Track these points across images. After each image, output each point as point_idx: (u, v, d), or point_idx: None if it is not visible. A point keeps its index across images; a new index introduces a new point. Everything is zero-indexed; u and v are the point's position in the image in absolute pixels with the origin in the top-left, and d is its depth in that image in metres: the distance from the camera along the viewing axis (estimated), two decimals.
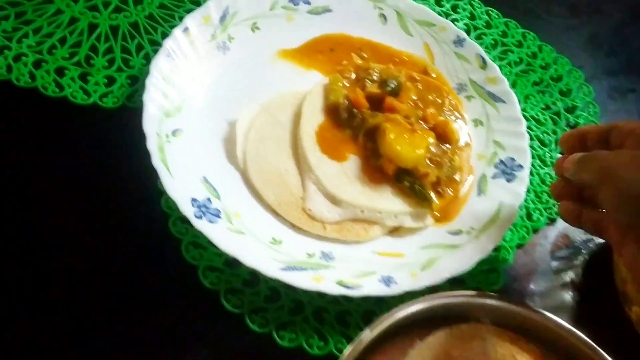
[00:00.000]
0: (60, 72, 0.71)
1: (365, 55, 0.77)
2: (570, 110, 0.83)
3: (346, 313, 0.61)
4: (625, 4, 0.98)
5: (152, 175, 0.61)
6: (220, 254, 0.60)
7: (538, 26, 0.90)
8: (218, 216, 0.61)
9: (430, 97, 0.73)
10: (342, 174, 0.66)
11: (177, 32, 0.69)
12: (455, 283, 0.63)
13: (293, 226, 0.64)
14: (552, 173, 0.74)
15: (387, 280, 0.60)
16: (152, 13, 0.78)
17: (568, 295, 0.68)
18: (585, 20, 0.95)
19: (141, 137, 0.62)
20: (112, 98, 0.70)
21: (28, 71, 0.70)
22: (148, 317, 0.59)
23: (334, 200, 0.65)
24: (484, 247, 0.64)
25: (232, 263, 0.60)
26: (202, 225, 0.59)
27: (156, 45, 0.74)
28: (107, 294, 0.59)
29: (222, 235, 0.59)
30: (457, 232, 0.66)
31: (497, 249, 0.67)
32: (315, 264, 0.61)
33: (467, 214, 0.68)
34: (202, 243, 0.62)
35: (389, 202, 0.65)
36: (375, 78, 0.72)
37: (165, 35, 0.73)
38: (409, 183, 0.65)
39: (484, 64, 0.77)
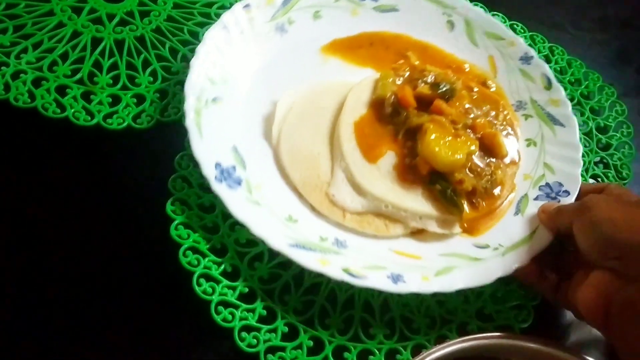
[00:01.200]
0: (61, 90, 0.66)
1: (410, 55, 0.75)
2: (602, 130, 0.78)
3: (369, 352, 0.57)
4: None
5: (161, 203, 0.60)
6: (233, 287, 0.58)
7: (565, 41, 0.86)
8: (239, 184, 0.60)
9: (484, 108, 0.70)
10: (374, 167, 0.64)
11: (237, 7, 0.70)
12: (484, 320, 0.61)
13: (312, 209, 0.62)
14: None
15: (396, 278, 0.57)
16: (160, 26, 0.74)
17: None
18: (615, 35, 0.90)
19: (150, 162, 0.61)
20: (117, 119, 0.66)
21: (27, 90, 0.65)
22: (159, 357, 0.56)
23: (359, 190, 0.63)
24: (507, 264, 0.60)
25: (247, 297, 0.57)
26: (220, 188, 0.59)
27: (164, 61, 0.71)
28: (112, 330, 0.56)
29: (237, 203, 0.59)
30: (484, 247, 0.62)
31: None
32: (325, 248, 0.59)
33: (499, 230, 0.64)
34: (215, 275, 0.58)
35: (416, 203, 0.63)
36: (429, 80, 0.70)
37: (173, 50, 0.72)
38: (441, 187, 0.63)
39: (548, 85, 0.73)
